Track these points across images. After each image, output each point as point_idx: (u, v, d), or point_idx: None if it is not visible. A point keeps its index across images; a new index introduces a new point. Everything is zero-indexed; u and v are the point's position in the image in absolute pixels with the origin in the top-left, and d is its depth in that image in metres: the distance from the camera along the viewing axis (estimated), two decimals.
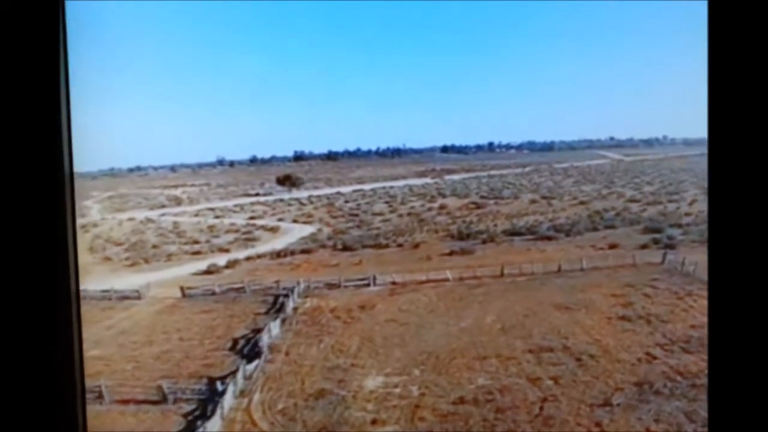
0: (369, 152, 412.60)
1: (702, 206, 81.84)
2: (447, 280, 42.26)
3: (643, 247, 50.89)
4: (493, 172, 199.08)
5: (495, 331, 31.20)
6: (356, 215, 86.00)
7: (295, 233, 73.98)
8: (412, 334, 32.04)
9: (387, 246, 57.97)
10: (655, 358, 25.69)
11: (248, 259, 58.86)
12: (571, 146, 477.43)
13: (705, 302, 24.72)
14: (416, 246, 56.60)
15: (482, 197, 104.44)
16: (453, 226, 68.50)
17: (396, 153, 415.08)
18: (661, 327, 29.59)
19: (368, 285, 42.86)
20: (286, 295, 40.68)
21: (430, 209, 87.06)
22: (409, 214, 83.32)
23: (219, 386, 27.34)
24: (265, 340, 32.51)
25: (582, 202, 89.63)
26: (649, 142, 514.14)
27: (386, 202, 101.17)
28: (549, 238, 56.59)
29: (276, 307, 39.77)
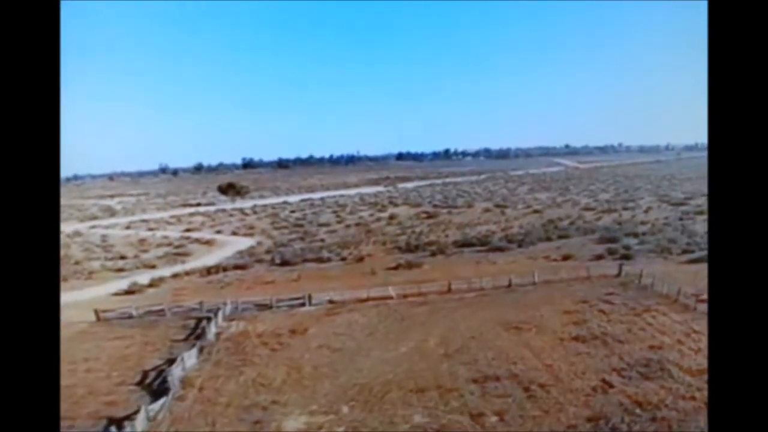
0: (322, 160, 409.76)
1: (657, 214, 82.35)
2: (390, 297, 39.57)
3: (599, 257, 49.58)
4: (448, 180, 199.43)
5: (437, 356, 28.57)
6: (301, 226, 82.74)
7: (232, 247, 70.11)
8: (346, 362, 29.10)
9: (330, 260, 54.99)
10: (611, 386, 23.50)
11: (175, 276, 54.81)
12: (527, 153, 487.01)
13: (664, 319, 22.47)
14: (361, 259, 53.80)
15: (435, 206, 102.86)
16: (402, 237, 66.12)
17: (350, 160, 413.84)
18: (618, 348, 27.58)
19: (303, 305, 39.77)
20: (210, 319, 37.11)
21: (379, 219, 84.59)
22: (357, 224, 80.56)
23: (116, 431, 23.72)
24: (177, 373, 28.88)
25: (536, 211, 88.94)
26: (604, 150, 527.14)
27: (335, 212, 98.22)
28: (501, 249, 54.76)
29: (197, 333, 36.19)
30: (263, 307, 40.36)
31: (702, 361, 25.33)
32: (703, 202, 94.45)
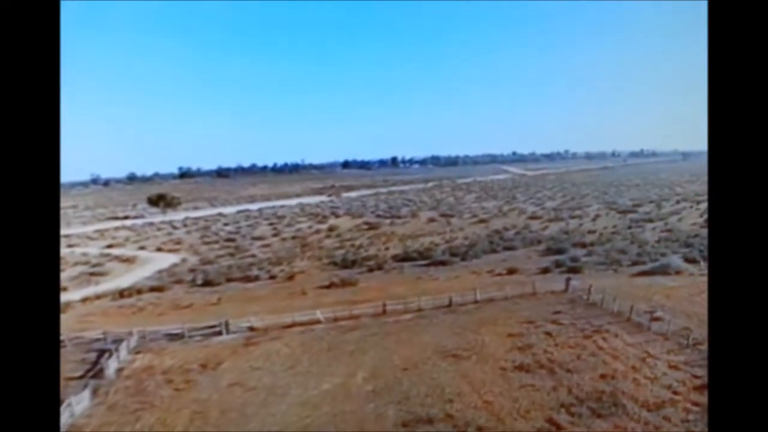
0: (265, 168, 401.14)
1: (605, 222, 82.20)
2: (318, 322, 36.22)
3: (545, 271, 47.70)
4: (394, 188, 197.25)
5: (364, 394, 25.41)
6: (233, 240, 78.21)
7: (153, 265, 65.16)
8: (259, 404, 25.57)
9: (257, 278, 51.12)
10: (559, 427, 20.91)
11: (84, 300, 49.84)
12: (475, 161, 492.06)
13: (616, 342, 19.52)
14: (291, 277, 50.22)
15: (378, 216, 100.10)
16: (339, 251, 62.84)
17: (294, 169, 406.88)
18: (566, 379, 25.13)
19: (219, 333, 35.93)
20: (113, 352, 32.87)
21: (318, 231, 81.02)
22: (293, 237, 76.74)
23: None
24: (63, 419, 24.76)
25: (482, 220, 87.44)
26: (551, 157, 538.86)
27: (271, 224, 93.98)
28: (443, 263, 52.29)
29: (96, 369, 31.86)
30: (175, 337, 36.35)
31: (660, 392, 23.17)
32: (650, 209, 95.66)
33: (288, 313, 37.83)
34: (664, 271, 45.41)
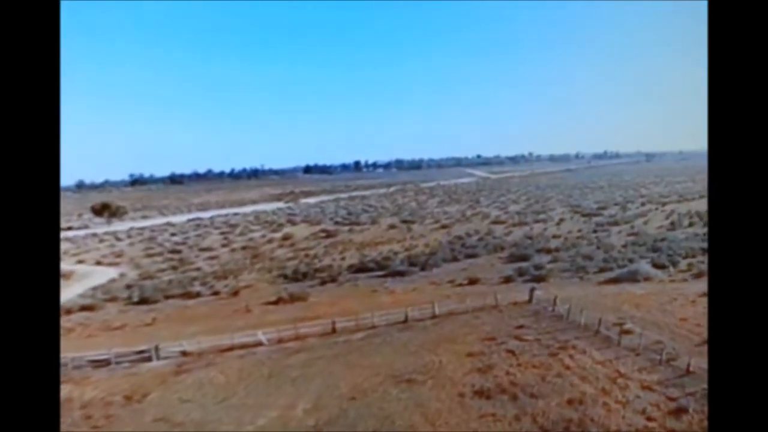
0: (222, 174, 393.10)
1: (570, 226, 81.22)
2: (260, 344, 33.37)
3: (508, 280, 45.84)
4: (355, 194, 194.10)
5: (304, 430, 22.76)
6: (178, 252, 74.36)
7: (90, 280, 61.08)
8: None
9: (199, 295, 47.80)
10: None
11: None
12: (439, 164, 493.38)
13: (584, 360, 16.88)
14: (236, 293, 47.13)
15: (337, 223, 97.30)
16: (292, 262, 59.96)
17: (253, 174, 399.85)
18: (530, 405, 22.94)
19: (149, 359, 32.78)
20: None
21: (270, 241, 77.76)
22: (244, 248, 73.33)
23: None
24: None
25: (444, 226, 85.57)
26: (515, 159, 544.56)
27: (223, 233, 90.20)
28: (401, 274, 49.97)
29: None
30: (100, 363, 33.09)
31: (633, 418, 21.20)
32: (615, 212, 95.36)
33: (228, 334, 34.90)
34: (632, 278, 44.05)
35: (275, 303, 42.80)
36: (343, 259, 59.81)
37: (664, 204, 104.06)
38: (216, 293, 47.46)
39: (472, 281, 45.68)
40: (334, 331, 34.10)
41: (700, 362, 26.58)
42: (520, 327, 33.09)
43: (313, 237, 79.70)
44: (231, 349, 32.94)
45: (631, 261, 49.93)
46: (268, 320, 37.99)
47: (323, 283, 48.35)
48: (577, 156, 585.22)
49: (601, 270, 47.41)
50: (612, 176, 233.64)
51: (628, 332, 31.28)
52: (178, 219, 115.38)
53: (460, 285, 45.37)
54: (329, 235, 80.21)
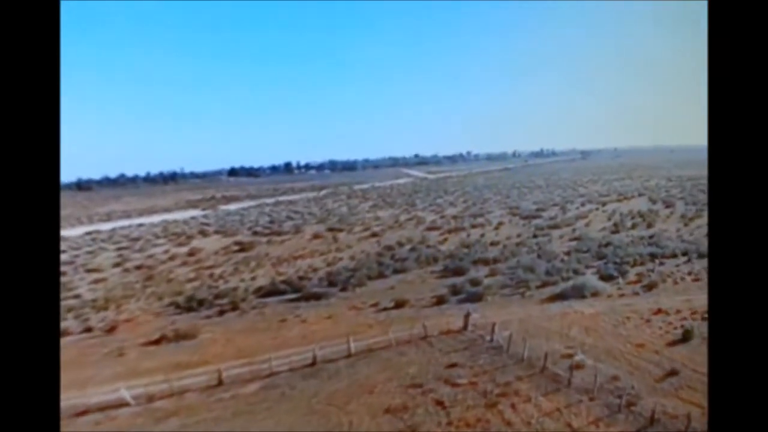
0: (136, 179, 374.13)
1: (509, 231, 77.79)
2: (125, 404, 26.88)
3: (440, 301, 40.92)
4: (282, 198, 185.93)
5: None
6: (62, 274, 65.66)
7: None
8: None
9: (67, 332, 39.72)
10: None
11: None
12: (375, 165, 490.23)
13: (528, 410, 12.01)
14: (113, 329, 39.96)
15: (255, 233, 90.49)
16: (191, 284, 53.15)
17: (172, 178, 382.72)
18: None
19: None
20: None
21: (173, 257, 70.21)
22: (139, 267, 65.50)
23: None
24: None
25: (374, 234, 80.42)
26: (453, 159, 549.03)
27: (119, 249, 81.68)
28: (318, 297, 44.23)
29: None
30: None
31: None
32: (555, 214, 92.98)
33: (88, 389, 28.36)
34: (579, 293, 40.08)
35: (157, 342, 36.01)
36: (253, 279, 53.46)
37: (604, 204, 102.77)
38: (88, 330, 40.08)
39: (399, 304, 40.43)
40: (220, 382, 27.98)
41: (665, 404, 22.65)
42: (453, 366, 28.09)
43: (224, 251, 72.69)
44: (84, 413, 26.21)
45: (576, 272, 46.26)
46: (143, 367, 31.48)
47: (222, 312, 41.84)
48: (514, 154, 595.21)
49: (544, 284, 43.35)
50: (550, 175, 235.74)
51: (579, 366, 26.94)
52: (74, 232, 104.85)
53: (385, 309, 40.07)
54: (243, 248, 73.33)
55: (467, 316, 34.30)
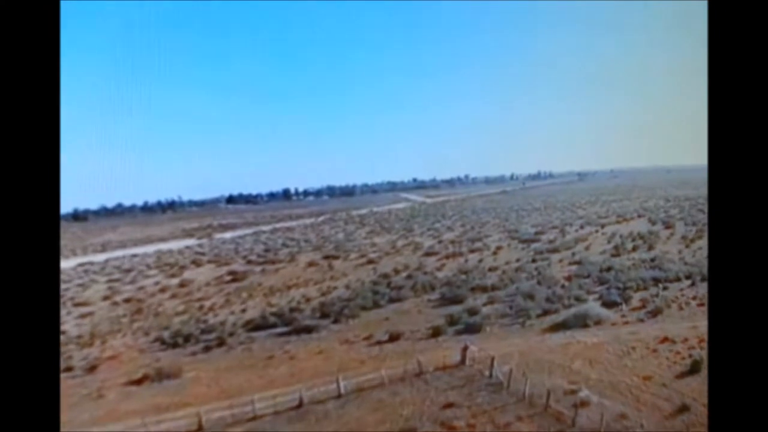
0: (134, 208, 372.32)
1: (508, 255, 76.20)
2: None
3: (436, 333, 39.08)
4: (279, 225, 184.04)
5: None
6: None
7: None
8: None
9: None
10: None
11: None
12: (373, 190, 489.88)
13: None
14: (94, 368, 38.11)
15: (249, 262, 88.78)
16: (179, 317, 51.35)
17: (170, 207, 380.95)
18: None
19: None
20: None
21: (164, 289, 68.37)
22: (128, 300, 63.64)
23: None
24: None
25: (370, 261, 78.81)
26: (451, 182, 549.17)
27: (110, 281, 79.88)
28: (309, 330, 42.39)
29: None
30: None
31: None
32: (554, 237, 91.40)
33: None
34: (581, 321, 38.35)
35: (138, 382, 34.18)
36: (243, 311, 51.63)
37: (603, 226, 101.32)
38: (69, 369, 38.20)
39: (394, 337, 38.57)
40: (200, 427, 26.05)
41: None
42: (449, 406, 26.21)
43: (216, 282, 70.89)
44: None
45: (577, 299, 44.61)
46: (122, 410, 29.58)
47: (208, 348, 39.92)
48: (512, 177, 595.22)
49: (545, 312, 41.61)
50: (547, 197, 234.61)
51: (584, 404, 25.13)
52: (66, 264, 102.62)
53: (379, 343, 38.21)
54: (236, 278, 71.60)
55: (465, 349, 32.48)
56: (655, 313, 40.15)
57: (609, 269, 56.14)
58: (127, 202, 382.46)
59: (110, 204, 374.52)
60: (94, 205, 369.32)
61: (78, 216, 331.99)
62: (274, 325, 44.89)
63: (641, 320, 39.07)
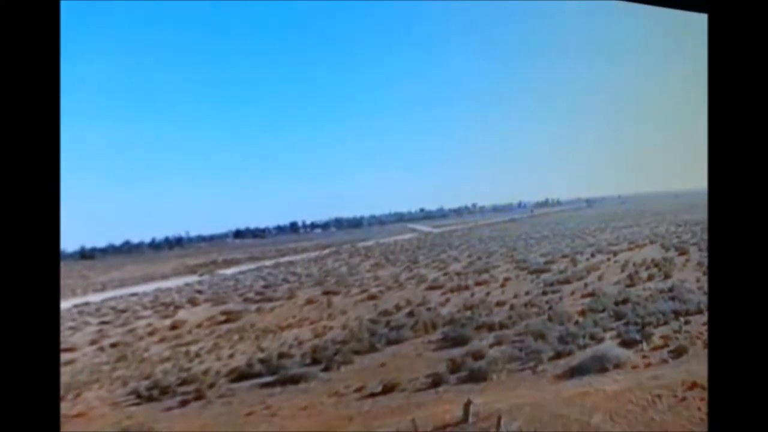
0: (141, 245, 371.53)
1: (516, 288, 71.91)
2: None
3: (436, 382, 34.59)
4: (282, 259, 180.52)
5: None
6: None
7: None
8: None
9: None
10: None
11: None
12: (381, 221, 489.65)
13: None
14: (74, 417, 34.35)
15: (246, 299, 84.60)
16: (162, 366, 47.25)
17: (177, 243, 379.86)
18: None
19: None
20: None
21: (153, 332, 64.23)
22: (115, 344, 59.60)
23: None
24: None
25: (372, 296, 74.55)
26: (458, 211, 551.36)
27: (102, 323, 75.57)
28: (296, 380, 38.11)
29: None
30: None
31: None
32: (565, 266, 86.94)
33: None
34: (599, 365, 33.94)
35: None
36: (231, 356, 47.53)
37: (615, 253, 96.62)
38: None
39: (389, 387, 34.24)
40: None
41: None
42: None
43: (209, 323, 66.81)
44: None
45: (593, 337, 40.27)
46: None
47: (185, 402, 35.83)
48: (519, 205, 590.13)
49: (558, 354, 37.30)
50: (556, 224, 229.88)
51: None
52: (64, 305, 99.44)
53: (372, 396, 33.92)
54: (230, 318, 67.55)
55: (468, 405, 28.23)
56: (680, 352, 35.81)
57: (625, 301, 51.83)
58: (134, 239, 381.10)
59: (118, 241, 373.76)
60: (101, 243, 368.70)
61: (85, 254, 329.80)
62: (259, 374, 40.69)
63: (665, 361, 34.79)
